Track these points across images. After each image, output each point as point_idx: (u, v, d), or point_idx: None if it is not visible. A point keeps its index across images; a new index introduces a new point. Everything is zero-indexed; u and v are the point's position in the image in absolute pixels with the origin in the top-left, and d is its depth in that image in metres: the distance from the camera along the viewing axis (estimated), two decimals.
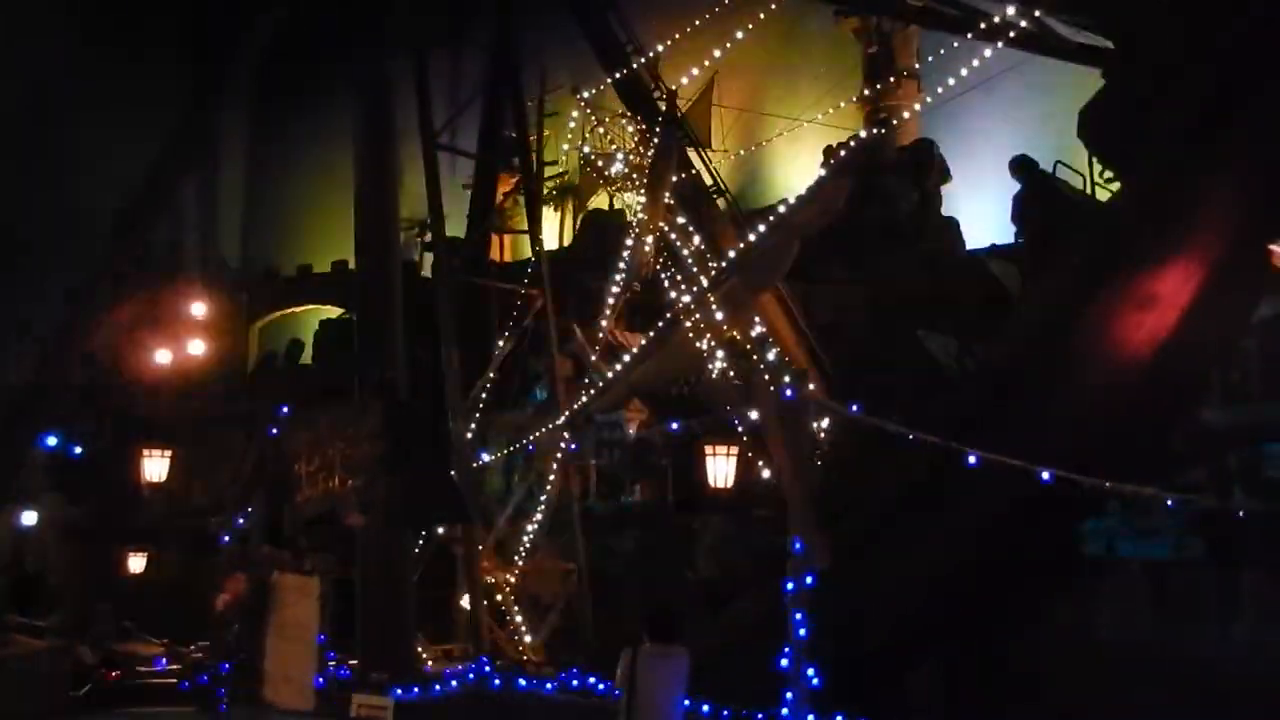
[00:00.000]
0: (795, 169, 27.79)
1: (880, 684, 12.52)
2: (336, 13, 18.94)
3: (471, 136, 24.41)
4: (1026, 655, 12.75)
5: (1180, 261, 11.51)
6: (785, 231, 17.05)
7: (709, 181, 20.44)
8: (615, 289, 19.73)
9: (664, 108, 19.82)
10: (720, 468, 16.09)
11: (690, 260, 18.93)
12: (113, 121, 31.44)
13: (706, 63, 21.83)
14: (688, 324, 17.31)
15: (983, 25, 14.42)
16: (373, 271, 16.56)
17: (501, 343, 20.05)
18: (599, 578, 19.24)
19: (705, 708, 10.83)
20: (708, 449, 16.80)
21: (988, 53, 15.27)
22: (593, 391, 18.41)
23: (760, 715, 10.73)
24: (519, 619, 18.46)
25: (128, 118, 30.24)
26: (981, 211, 23.70)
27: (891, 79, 25.67)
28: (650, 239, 19.20)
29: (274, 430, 15.62)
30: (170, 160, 19.14)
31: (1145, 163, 11.70)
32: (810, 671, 9.36)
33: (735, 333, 17.53)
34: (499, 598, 18.50)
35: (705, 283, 17.59)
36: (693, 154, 20.24)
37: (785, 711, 9.55)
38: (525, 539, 19.21)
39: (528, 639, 18.13)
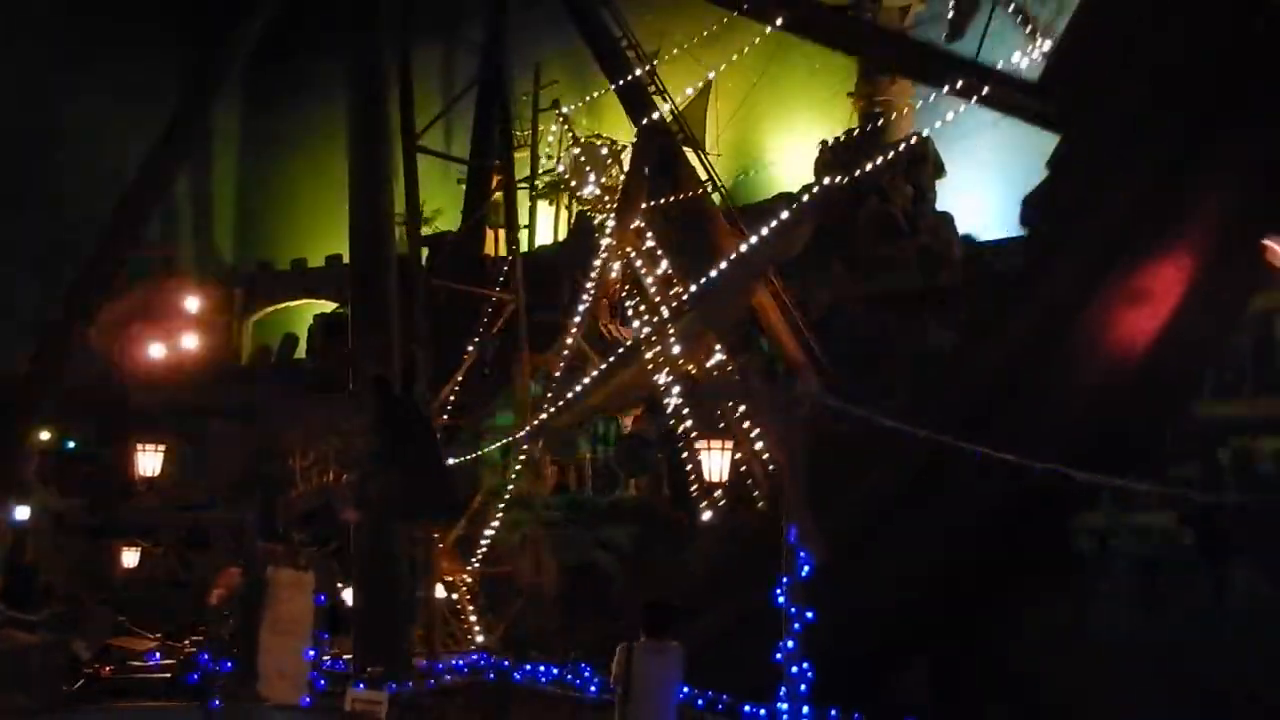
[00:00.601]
0: (790, 164, 27.81)
1: (876, 681, 12.56)
2: (330, 8, 18.91)
3: (467, 130, 24.43)
4: (1020, 652, 12.79)
5: (1174, 258, 11.55)
6: (744, 270, 17.22)
7: (704, 178, 20.49)
8: (582, 305, 19.90)
9: (659, 104, 19.90)
10: (715, 462, 16.09)
11: (654, 287, 19.15)
12: (108, 116, 31.39)
13: (712, 73, 21.91)
14: (647, 355, 17.56)
15: (948, 85, 14.88)
16: (366, 266, 16.52)
17: (471, 347, 20.26)
18: (593, 572, 19.35)
19: (700, 702, 10.85)
20: (702, 444, 16.83)
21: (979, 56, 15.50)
22: (552, 409, 18.75)
23: (755, 708, 10.75)
24: (473, 618, 18.67)
25: (123, 112, 30.20)
26: (976, 207, 23.74)
27: (886, 75, 25.71)
28: (618, 265, 19.43)
29: (268, 425, 15.64)
30: (165, 153, 19.08)
31: (1143, 162, 11.73)
32: (805, 666, 9.38)
33: (692, 366, 17.77)
34: (454, 596, 18.68)
35: (666, 313, 17.82)
36: (688, 152, 20.31)
37: (781, 706, 9.57)
38: (483, 541, 19.47)
39: (480, 639, 18.32)
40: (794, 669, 9.36)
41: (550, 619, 18.99)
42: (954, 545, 12.25)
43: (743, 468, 17.53)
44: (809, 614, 9.34)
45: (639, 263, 19.40)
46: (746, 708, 10.89)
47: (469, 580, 19.24)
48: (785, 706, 9.43)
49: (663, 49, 22.88)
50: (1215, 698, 11.35)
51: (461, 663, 14.41)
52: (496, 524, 19.45)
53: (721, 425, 17.46)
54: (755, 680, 10.28)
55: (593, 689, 12.03)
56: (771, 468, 16.86)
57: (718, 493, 17.35)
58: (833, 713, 10.16)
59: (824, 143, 24.40)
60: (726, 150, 28.03)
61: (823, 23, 15.83)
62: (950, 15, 23.08)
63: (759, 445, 16.83)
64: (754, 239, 17.31)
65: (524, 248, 29.87)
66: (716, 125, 27.88)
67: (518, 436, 19.19)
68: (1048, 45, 14.16)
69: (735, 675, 10.96)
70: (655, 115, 19.32)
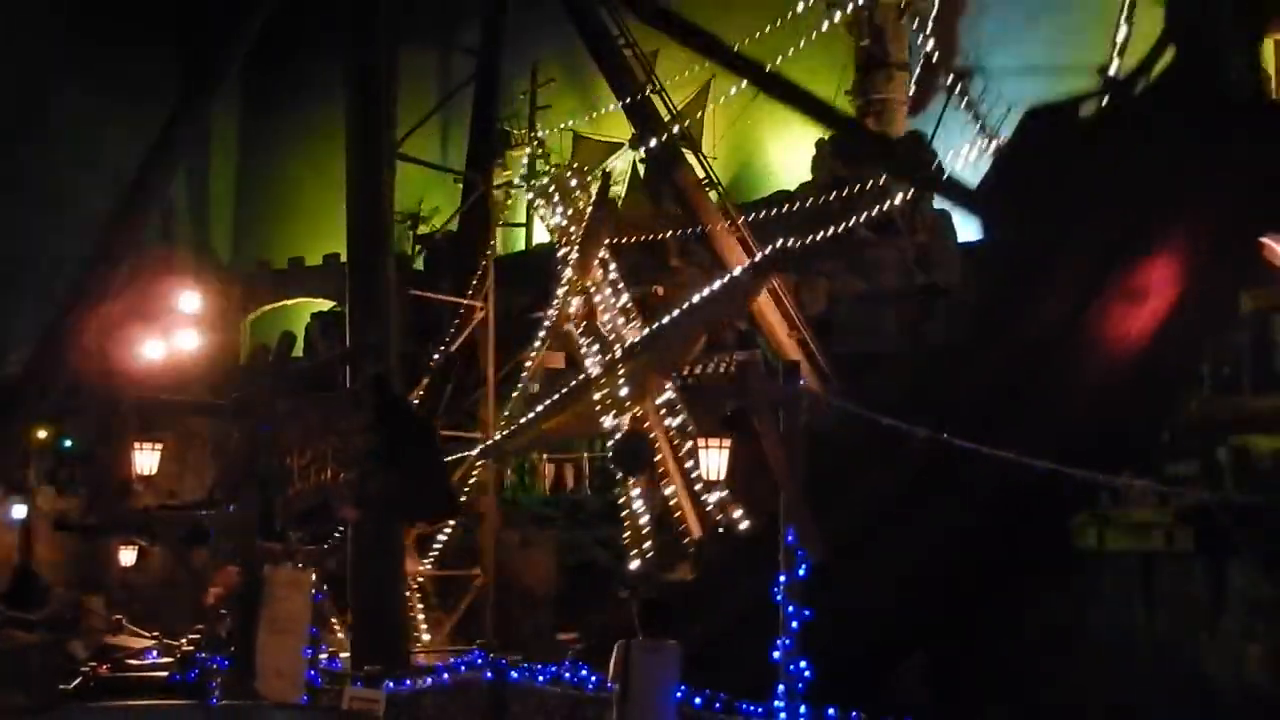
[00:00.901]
0: (787, 160, 27.78)
1: (875, 680, 12.56)
2: (330, 8, 18.92)
3: (464, 130, 24.38)
4: (1020, 652, 12.78)
5: (1172, 255, 11.55)
6: (695, 320, 17.36)
7: (701, 175, 20.53)
8: (540, 336, 20.08)
9: (657, 104, 19.96)
10: (713, 460, 16.04)
11: (611, 324, 19.28)
12: (107, 116, 31.39)
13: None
14: (596, 396, 17.68)
15: None
16: (364, 264, 16.53)
17: (438, 355, 20.40)
18: (592, 570, 19.38)
19: (698, 700, 10.84)
20: (700, 441, 16.81)
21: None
22: (507, 432, 19.09)
23: (752, 707, 10.73)
24: (420, 617, 18.79)
25: (122, 112, 30.19)
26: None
27: (883, 73, 25.81)
28: (577, 300, 19.57)
29: (265, 424, 15.61)
30: (163, 153, 19.08)
31: (1142, 162, 11.74)
32: (803, 665, 9.38)
33: (639, 409, 17.90)
34: (405, 594, 18.78)
35: (619, 352, 18.02)
36: (686, 150, 20.33)
37: (778, 704, 9.56)
38: (440, 537, 19.58)
39: (425, 637, 18.41)
40: (791, 668, 9.35)
41: (547, 619, 19.03)
42: (954, 545, 12.23)
43: (676, 513, 17.60)
44: (807, 613, 9.33)
45: (598, 299, 19.62)
46: (744, 706, 10.86)
47: (421, 579, 19.41)
48: (782, 705, 9.42)
49: (662, 49, 22.86)
50: (1215, 697, 11.34)
51: (460, 661, 14.40)
52: (450, 527, 19.64)
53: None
54: (753, 679, 10.27)
55: (590, 687, 12.01)
56: (709, 508, 17.00)
57: (647, 544, 17.49)
58: (831, 712, 10.14)
59: (820, 141, 24.39)
60: (725, 150, 28.00)
61: (793, 96, 16.50)
62: (910, 93, 25.58)
63: (697, 486, 16.98)
64: (707, 290, 17.55)
65: (520, 246, 29.99)
66: (714, 127, 27.87)
67: (471, 454, 19.45)
68: (993, 145, 15.02)
69: (733, 674, 10.96)
70: (654, 138, 19.45)
